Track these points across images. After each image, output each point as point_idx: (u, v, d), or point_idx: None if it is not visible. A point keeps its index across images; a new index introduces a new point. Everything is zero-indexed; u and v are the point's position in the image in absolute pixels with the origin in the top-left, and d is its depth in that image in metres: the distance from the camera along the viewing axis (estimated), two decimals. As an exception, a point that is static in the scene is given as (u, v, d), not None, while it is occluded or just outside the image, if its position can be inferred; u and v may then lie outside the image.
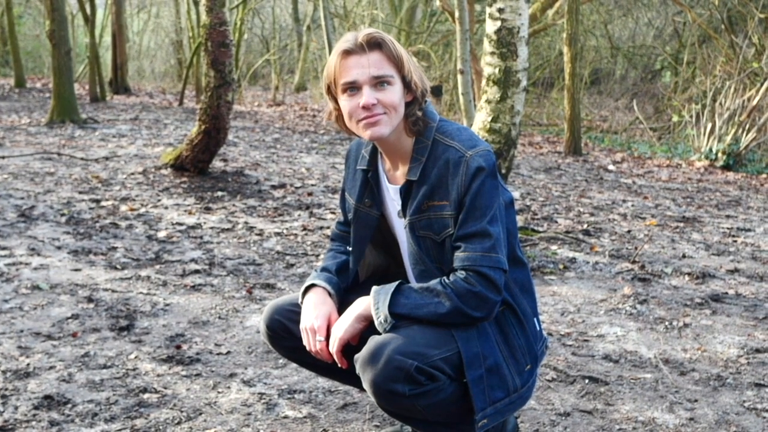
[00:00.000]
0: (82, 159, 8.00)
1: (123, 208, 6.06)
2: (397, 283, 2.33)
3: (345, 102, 2.35)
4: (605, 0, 16.44)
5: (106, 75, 16.71)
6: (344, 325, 2.34)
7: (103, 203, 6.18)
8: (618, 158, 10.92)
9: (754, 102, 10.57)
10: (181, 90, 15.56)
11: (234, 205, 6.32)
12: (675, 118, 12.72)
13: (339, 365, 2.37)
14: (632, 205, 7.19)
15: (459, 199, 2.32)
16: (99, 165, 7.78)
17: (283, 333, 2.50)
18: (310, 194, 6.90)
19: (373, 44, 2.33)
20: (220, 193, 6.71)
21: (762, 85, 10.71)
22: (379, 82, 2.32)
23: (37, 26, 22.14)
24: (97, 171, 7.47)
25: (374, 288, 2.33)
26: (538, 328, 2.49)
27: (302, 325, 2.43)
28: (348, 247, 2.66)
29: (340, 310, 2.45)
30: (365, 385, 2.19)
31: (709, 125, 10.89)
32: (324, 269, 2.59)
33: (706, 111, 11.26)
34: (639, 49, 17.28)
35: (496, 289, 2.28)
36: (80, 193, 6.52)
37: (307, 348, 2.42)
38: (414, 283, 2.40)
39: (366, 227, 2.55)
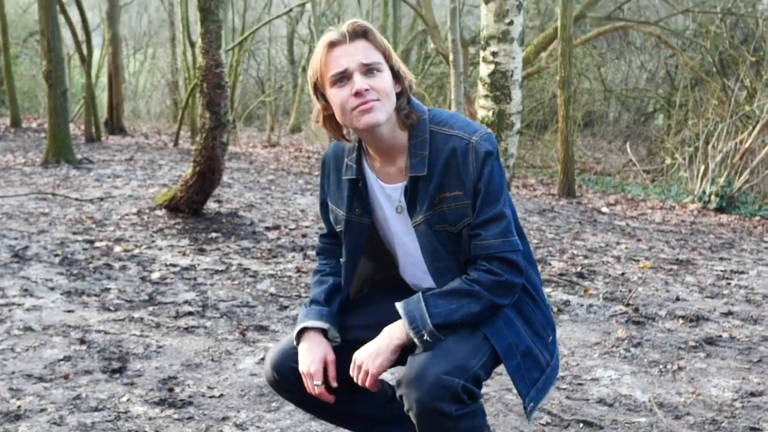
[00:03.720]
0: (76, 199, 8.00)
1: (117, 249, 6.05)
2: (419, 295, 2.29)
3: (335, 95, 2.30)
4: (598, 43, 16.58)
5: (102, 115, 16.76)
6: (379, 360, 2.27)
7: (97, 244, 6.17)
8: (611, 200, 10.95)
9: (747, 144, 10.62)
10: (177, 131, 15.60)
11: (228, 247, 6.32)
12: (668, 161, 12.78)
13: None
14: (626, 248, 7.20)
15: (473, 186, 2.30)
16: (93, 205, 7.78)
17: (292, 377, 2.44)
18: (304, 236, 6.90)
19: (359, 33, 2.30)
20: (214, 235, 6.70)
21: (754, 127, 10.77)
22: (368, 69, 2.28)
23: (34, 66, 22.22)
24: (91, 211, 7.47)
25: (400, 309, 2.28)
26: (545, 297, 2.49)
27: (300, 369, 2.40)
28: (335, 261, 2.62)
29: (342, 335, 2.45)
30: (409, 406, 2.15)
31: (702, 168, 10.94)
32: (313, 302, 2.54)
33: (699, 153, 11.31)
34: (632, 91, 17.39)
35: (519, 271, 2.29)
36: (74, 233, 6.52)
37: (309, 391, 2.39)
38: (423, 287, 2.42)
39: (359, 236, 2.50)
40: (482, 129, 2.35)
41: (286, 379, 2.45)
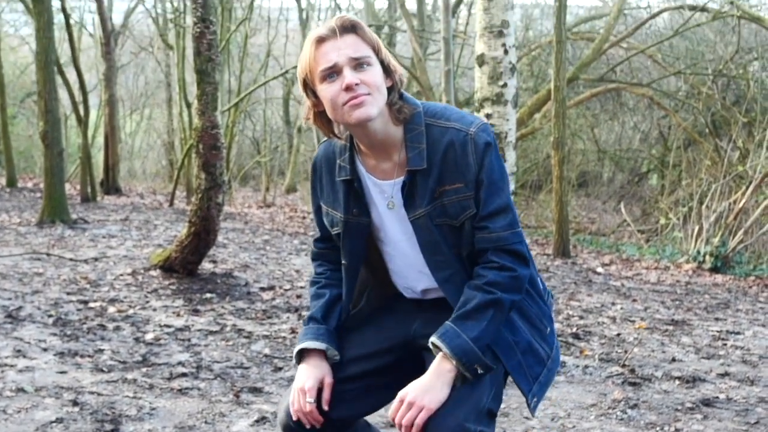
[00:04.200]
0: (71, 260, 7.99)
1: (111, 309, 6.03)
2: (451, 327, 2.26)
3: (326, 90, 2.28)
4: (591, 104, 16.73)
5: (98, 175, 16.80)
6: (434, 395, 2.22)
7: (91, 304, 6.15)
8: (606, 260, 10.96)
9: (740, 205, 10.67)
10: (172, 191, 15.63)
11: (223, 307, 6.30)
12: (662, 221, 12.82)
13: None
14: (621, 308, 7.18)
15: (475, 178, 2.29)
16: (88, 266, 7.77)
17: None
18: (299, 296, 6.89)
19: (348, 28, 2.28)
20: (208, 295, 6.69)
21: (747, 188, 10.83)
22: (358, 64, 2.26)
23: (31, 126, 22.34)
24: (85, 272, 7.45)
25: (443, 347, 2.23)
26: (541, 285, 2.48)
27: (294, 386, 2.37)
28: (331, 267, 2.59)
29: (342, 347, 2.46)
30: None
31: (696, 228, 10.97)
32: (311, 319, 2.51)
33: (693, 213, 11.36)
34: (625, 152, 17.50)
35: (526, 262, 2.30)
36: (68, 294, 6.50)
37: (293, 409, 2.36)
38: (417, 289, 2.45)
39: (359, 237, 2.46)
40: (478, 120, 2.34)
41: (300, 425, 2.41)
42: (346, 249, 2.49)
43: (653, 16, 15.34)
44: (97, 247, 8.92)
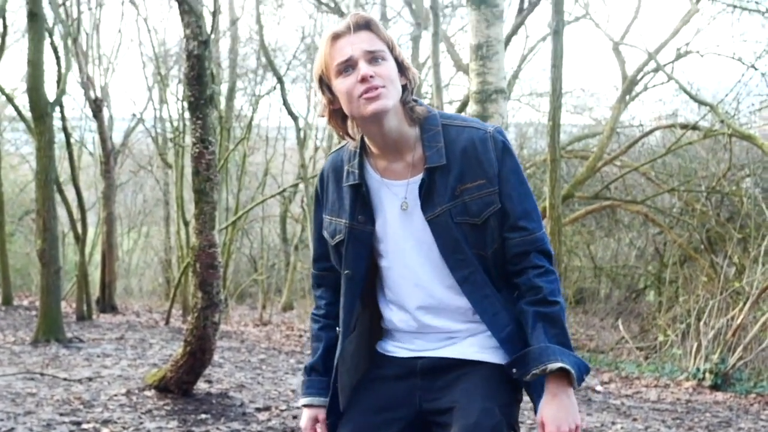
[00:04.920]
0: (65, 379, 7.90)
1: (104, 431, 5.93)
2: (550, 347, 2.28)
3: (341, 83, 2.30)
4: (587, 221, 16.83)
5: (94, 293, 16.76)
6: (573, 411, 2.29)
7: (84, 426, 6.06)
8: (606, 378, 10.86)
9: (738, 321, 10.63)
10: (168, 309, 15.57)
11: (218, 429, 6.20)
12: (661, 337, 12.75)
13: None
14: (622, 428, 7.09)
15: (497, 173, 2.30)
16: (82, 386, 7.68)
17: None
18: (295, 417, 6.79)
19: (362, 24, 2.32)
20: (203, 416, 6.59)
21: (745, 304, 10.81)
22: (373, 57, 2.29)
23: (28, 244, 22.37)
24: (79, 392, 7.37)
25: (568, 366, 2.26)
26: None
27: (301, 425, 2.50)
28: (331, 296, 2.58)
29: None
30: None
31: (695, 344, 10.90)
32: (313, 370, 2.56)
33: (692, 330, 11.30)
34: (622, 268, 17.53)
35: (554, 262, 2.33)
36: (61, 414, 6.40)
37: None
38: (408, 306, 2.44)
39: (363, 246, 2.44)
40: (494, 125, 2.39)
41: None
42: (349, 257, 2.46)
43: (645, 135, 15.58)
44: (91, 367, 8.84)
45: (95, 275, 19.08)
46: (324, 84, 2.38)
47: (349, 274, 2.47)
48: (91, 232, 17.76)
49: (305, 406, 2.56)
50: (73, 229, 14.85)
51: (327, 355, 2.55)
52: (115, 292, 17.83)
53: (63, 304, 13.60)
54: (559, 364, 2.24)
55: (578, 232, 16.76)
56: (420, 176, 2.38)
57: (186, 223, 15.16)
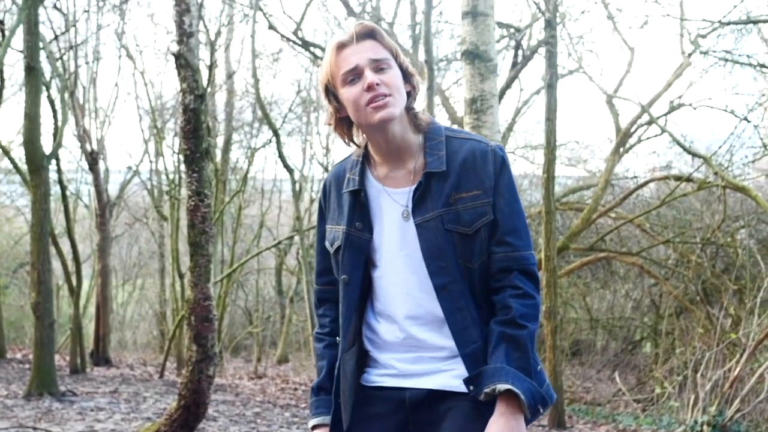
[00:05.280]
0: (57, 434, 7.84)
1: (97, 486, 5.87)
2: (509, 370, 2.26)
3: (348, 92, 2.33)
4: (582, 273, 16.82)
5: (88, 346, 16.66)
6: None
7: (77, 481, 6.00)
8: (603, 431, 10.78)
9: (735, 373, 10.57)
10: (163, 362, 15.49)
11: (211, 483, 6.14)
12: (658, 389, 12.67)
13: None
14: (620, 481, 7.03)
15: (493, 185, 2.31)
16: (75, 440, 7.62)
17: None
18: (290, 471, 6.73)
19: (366, 34, 2.34)
20: (197, 470, 6.53)
21: (741, 355, 10.76)
22: (378, 66, 2.31)
23: (22, 297, 22.28)
24: (72, 447, 7.30)
25: (511, 389, 2.23)
26: None
27: None
28: (335, 313, 2.56)
29: None
30: None
31: (692, 397, 10.84)
32: (321, 389, 2.54)
33: (689, 382, 11.24)
34: (618, 320, 17.48)
35: (539, 288, 2.31)
36: (53, 470, 6.34)
37: None
38: (397, 315, 2.41)
39: (360, 252, 2.43)
40: (496, 142, 2.45)
41: None
42: (346, 263, 2.45)
43: (640, 187, 15.62)
44: (84, 421, 8.76)
45: (89, 328, 18.97)
46: (330, 93, 2.42)
47: (345, 279, 2.47)
48: (85, 284, 17.71)
49: (316, 426, 2.53)
50: (68, 282, 14.81)
51: (333, 374, 2.54)
52: (110, 345, 17.73)
53: (57, 357, 13.52)
54: (507, 386, 2.23)
55: (574, 283, 16.73)
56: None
57: (181, 276, 15.13)
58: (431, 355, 2.42)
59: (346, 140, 2.49)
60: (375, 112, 2.31)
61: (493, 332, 2.32)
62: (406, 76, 2.42)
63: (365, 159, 2.49)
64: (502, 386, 2.23)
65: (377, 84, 2.31)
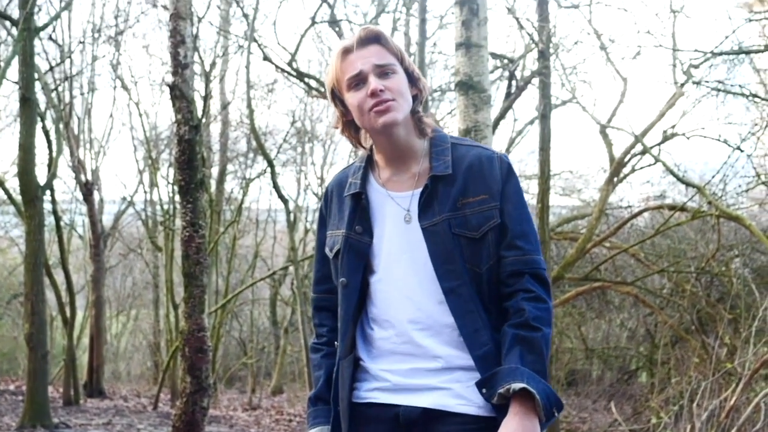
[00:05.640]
0: (50, 467, 7.78)
1: None
2: (525, 371, 2.23)
3: (353, 97, 2.35)
4: (577, 303, 16.80)
5: (82, 377, 16.58)
6: None
7: None
8: (599, 462, 10.73)
9: (732, 402, 10.54)
10: (156, 394, 15.41)
11: None
12: (654, 420, 12.61)
13: None
14: None
15: (501, 189, 2.31)
16: (67, 473, 7.56)
17: None
18: (284, 503, 6.68)
19: (371, 38, 2.36)
20: (191, 503, 6.48)
21: (737, 385, 10.73)
22: (383, 71, 2.33)
23: (16, 328, 22.17)
24: (65, 480, 7.24)
25: (527, 388, 2.20)
26: None
27: None
28: (332, 322, 2.55)
29: None
30: None
31: (689, 426, 10.79)
32: (319, 399, 2.52)
33: (685, 412, 11.20)
34: (613, 350, 17.45)
35: (551, 293, 2.31)
36: (46, 504, 6.29)
37: None
38: (397, 319, 2.38)
39: (360, 256, 2.42)
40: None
41: None
42: (345, 266, 2.45)
43: (634, 216, 15.63)
44: (77, 453, 8.70)
45: (83, 359, 18.89)
46: (336, 97, 2.45)
47: (344, 282, 2.46)
48: (79, 315, 17.64)
49: None
50: (62, 313, 14.76)
51: (331, 384, 2.52)
52: (103, 377, 17.64)
53: (50, 388, 13.45)
54: (522, 385, 2.21)
55: (569, 313, 16.70)
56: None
57: (175, 307, 15.08)
58: (426, 366, 2.39)
59: (354, 143, 2.53)
60: (378, 116, 2.34)
61: (507, 335, 2.31)
62: (412, 80, 2.43)
63: (368, 163, 2.51)
64: (517, 385, 2.21)
65: (381, 90, 2.33)
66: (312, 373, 2.58)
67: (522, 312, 2.30)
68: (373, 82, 2.33)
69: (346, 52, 2.39)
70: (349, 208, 2.47)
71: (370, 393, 2.46)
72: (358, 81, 2.36)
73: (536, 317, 2.28)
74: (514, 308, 2.33)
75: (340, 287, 2.48)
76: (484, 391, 2.29)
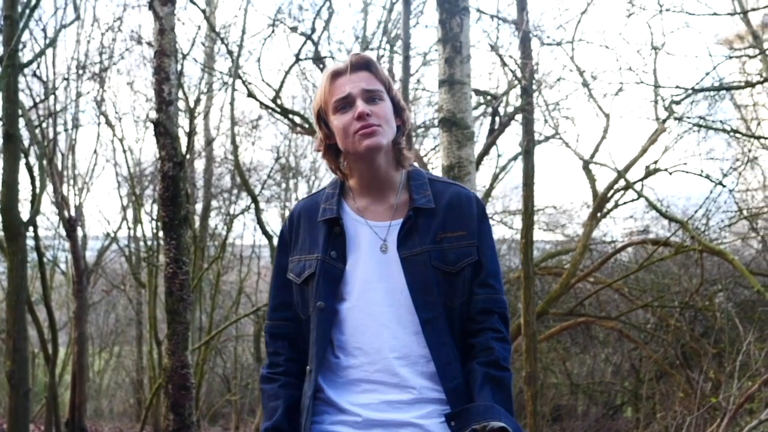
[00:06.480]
0: (31, 507, 7.68)
1: None
2: (494, 407, 2.24)
3: (338, 120, 2.35)
4: (562, 338, 16.80)
5: (64, 415, 16.42)
6: None
7: None
8: (585, 498, 10.68)
9: (717, 438, 10.54)
10: (139, 431, 15.28)
11: None
12: (639, 455, 12.59)
13: None
14: None
15: (477, 229, 2.35)
16: None
17: None
18: None
19: (362, 64, 2.39)
20: None
21: (722, 420, 10.73)
22: (370, 97, 2.34)
23: (-3, 366, 21.99)
24: None
25: (504, 426, 2.20)
26: None
27: None
28: (288, 352, 2.48)
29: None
30: None
31: (674, 462, 10.78)
32: (275, 430, 2.41)
33: (670, 447, 11.18)
34: (598, 385, 17.42)
35: (509, 331, 2.33)
36: None
37: None
38: (374, 348, 2.35)
39: (333, 281, 2.39)
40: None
41: None
42: (321, 290, 2.41)
43: (618, 251, 15.67)
44: (58, 493, 8.61)
45: (65, 396, 18.72)
46: (321, 120, 2.46)
47: (321, 305, 2.41)
48: (62, 352, 17.51)
49: None
50: (44, 350, 14.65)
51: (291, 415, 2.43)
52: (86, 414, 17.45)
53: (31, 426, 13.32)
54: (501, 424, 2.21)
55: (553, 348, 16.70)
56: (401, 219, 2.42)
57: (159, 343, 14.99)
58: (399, 398, 2.37)
59: (333, 168, 2.51)
60: (363, 139, 2.35)
61: (477, 371, 2.32)
62: (397, 111, 2.45)
63: (341, 191, 2.50)
64: (495, 423, 2.22)
65: (368, 114, 2.35)
66: (265, 405, 2.46)
67: (491, 351, 2.33)
68: (361, 106, 2.35)
69: (336, 75, 2.41)
70: (323, 233, 2.45)
71: (335, 427, 2.41)
72: (346, 104, 2.37)
73: (504, 358, 2.33)
74: (482, 345, 2.35)
75: (316, 312, 2.42)
76: (452, 424, 2.29)
